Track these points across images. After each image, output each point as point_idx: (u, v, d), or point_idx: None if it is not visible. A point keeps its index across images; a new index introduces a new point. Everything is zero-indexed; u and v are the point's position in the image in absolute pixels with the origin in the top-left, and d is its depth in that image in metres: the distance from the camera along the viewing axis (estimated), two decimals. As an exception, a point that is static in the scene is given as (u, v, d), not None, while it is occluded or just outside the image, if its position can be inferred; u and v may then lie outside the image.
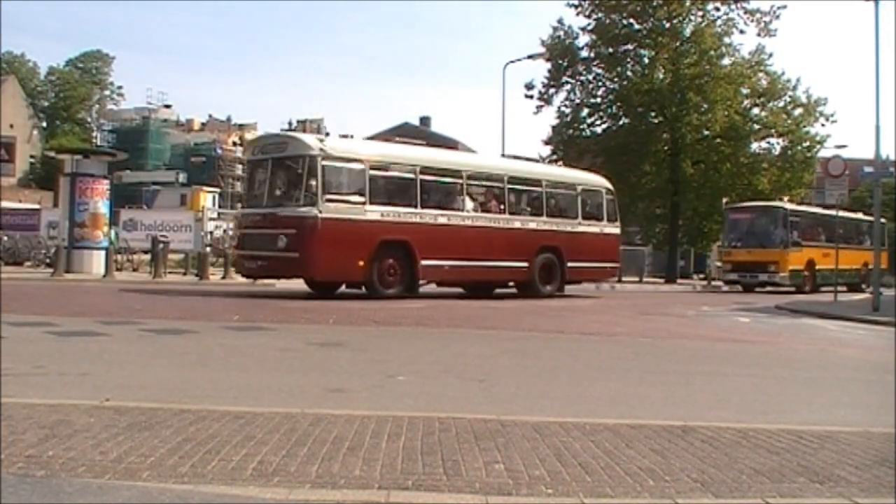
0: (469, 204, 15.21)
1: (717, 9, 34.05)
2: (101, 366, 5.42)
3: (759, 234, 25.09)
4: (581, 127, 35.48)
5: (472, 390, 5.00)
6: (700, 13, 34.20)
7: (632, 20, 33.79)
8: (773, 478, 2.93)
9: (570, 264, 16.45)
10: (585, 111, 35.49)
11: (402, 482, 2.68)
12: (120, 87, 79.01)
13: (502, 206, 15.71)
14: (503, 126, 36.02)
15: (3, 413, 3.38)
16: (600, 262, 17.58)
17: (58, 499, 2.34)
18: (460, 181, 15.06)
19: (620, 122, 35.24)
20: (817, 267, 24.98)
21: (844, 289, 26.81)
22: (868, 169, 20.35)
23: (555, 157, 38.01)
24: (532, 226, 16.09)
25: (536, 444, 3.26)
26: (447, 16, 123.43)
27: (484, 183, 15.87)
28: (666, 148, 34.42)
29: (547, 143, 35.83)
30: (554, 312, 12.57)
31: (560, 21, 34.85)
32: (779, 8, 33.13)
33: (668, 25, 33.71)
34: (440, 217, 14.48)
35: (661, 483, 2.81)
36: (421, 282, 14.41)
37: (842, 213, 28.78)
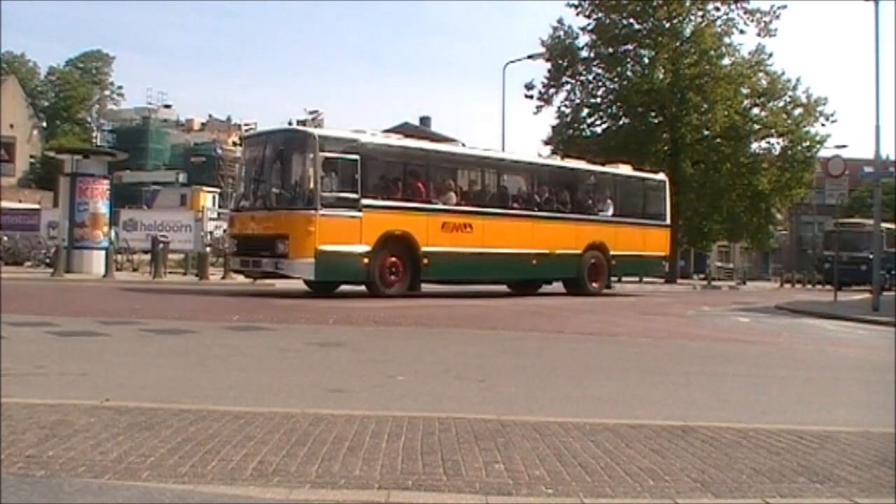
0: None
1: (717, 9, 34.08)
2: (101, 366, 5.42)
3: (273, 185, 14.15)
4: (581, 127, 35.48)
5: (472, 390, 5.00)
6: (700, 13, 34.22)
7: (632, 20, 33.81)
8: (773, 478, 2.93)
9: None
10: (585, 111, 35.51)
11: (402, 482, 2.68)
12: (120, 87, 79.04)
13: None
14: (503, 126, 36.01)
15: (3, 413, 3.37)
16: None
17: (58, 499, 2.34)
18: None
19: (620, 122, 35.25)
20: (426, 248, 14.28)
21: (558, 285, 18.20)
22: (868, 169, 20.34)
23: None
24: None
25: (536, 444, 3.26)
26: (447, 16, 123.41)
27: None
28: (666, 148, 34.42)
29: (547, 143, 35.84)
30: (554, 312, 12.57)
31: (560, 21, 34.89)
32: (779, 8, 33.17)
33: (668, 25, 33.73)
34: None
35: (661, 483, 2.81)
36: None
37: (505, 154, 18.37)
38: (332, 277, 13.93)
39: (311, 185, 13.11)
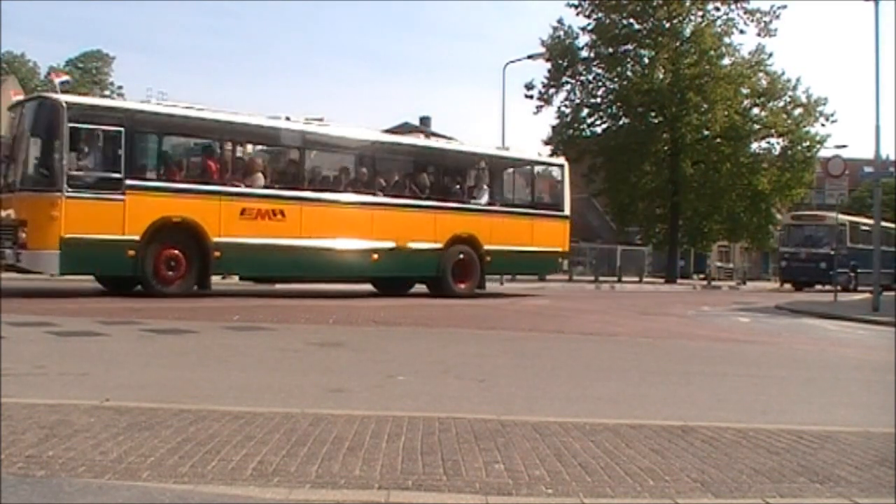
0: None
1: (717, 9, 34.16)
2: (101, 366, 5.42)
3: (19, 162, 12.04)
4: (581, 127, 35.53)
5: (472, 390, 5.00)
6: (700, 13, 34.29)
7: (632, 20, 33.87)
8: (773, 478, 2.93)
9: None
10: (585, 111, 35.57)
11: (402, 482, 2.68)
12: (120, 87, 79.02)
13: None
14: (503, 126, 35.98)
15: (3, 413, 3.37)
16: None
17: (58, 499, 2.34)
18: None
19: (620, 122, 35.32)
20: (218, 239, 12.09)
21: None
22: (868, 169, 20.34)
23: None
24: None
25: (536, 444, 3.26)
26: (447, 16, 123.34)
27: None
28: (666, 148, 34.47)
29: (547, 143, 35.88)
30: (554, 312, 12.58)
31: (560, 21, 34.97)
32: (779, 8, 33.24)
33: (668, 25, 33.79)
34: None
35: (661, 483, 2.81)
36: None
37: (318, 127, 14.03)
38: (86, 271, 12.18)
39: (57, 163, 11.06)
